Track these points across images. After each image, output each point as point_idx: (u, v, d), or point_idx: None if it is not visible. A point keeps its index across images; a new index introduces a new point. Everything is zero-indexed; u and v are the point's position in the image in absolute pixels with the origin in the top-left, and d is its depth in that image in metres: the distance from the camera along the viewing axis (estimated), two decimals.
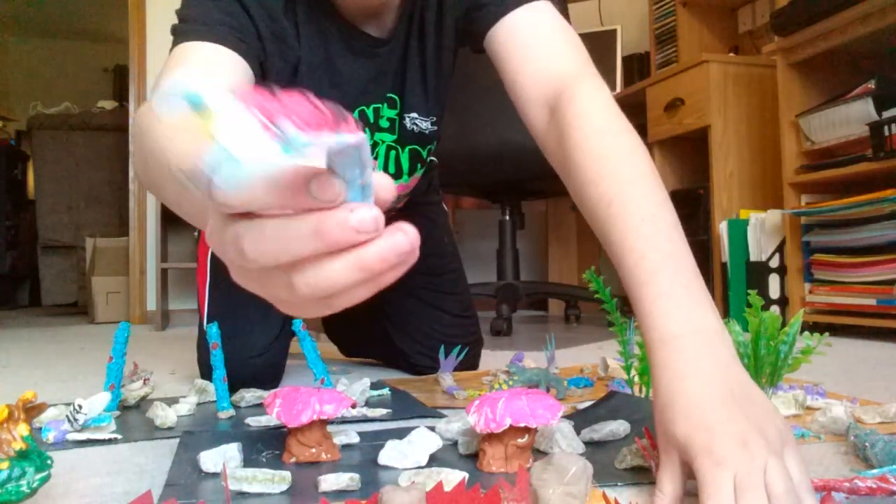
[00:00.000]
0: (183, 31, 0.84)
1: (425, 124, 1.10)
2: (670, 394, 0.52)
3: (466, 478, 0.58)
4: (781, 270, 2.15)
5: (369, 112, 1.08)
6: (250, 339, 1.14)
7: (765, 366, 0.81)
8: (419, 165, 1.15)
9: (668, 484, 0.51)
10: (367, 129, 1.09)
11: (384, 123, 1.09)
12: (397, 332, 1.34)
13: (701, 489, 0.47)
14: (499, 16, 0.89)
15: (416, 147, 1.12)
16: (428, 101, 1.08)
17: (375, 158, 1.10)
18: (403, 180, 1.15)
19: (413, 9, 1.02)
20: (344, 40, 0.99)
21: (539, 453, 0.69)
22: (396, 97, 1.08)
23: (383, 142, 1.11)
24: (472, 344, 1.30)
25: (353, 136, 0.29)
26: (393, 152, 1.11)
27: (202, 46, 0.81)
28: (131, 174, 3.09)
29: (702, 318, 0.56)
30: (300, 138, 0.27)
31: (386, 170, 1.11)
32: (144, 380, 1.08)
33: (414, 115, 1.08)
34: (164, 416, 0.86)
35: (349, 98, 1.04)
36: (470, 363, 1.30)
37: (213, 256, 1.20)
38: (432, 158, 1.20)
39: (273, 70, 0.95)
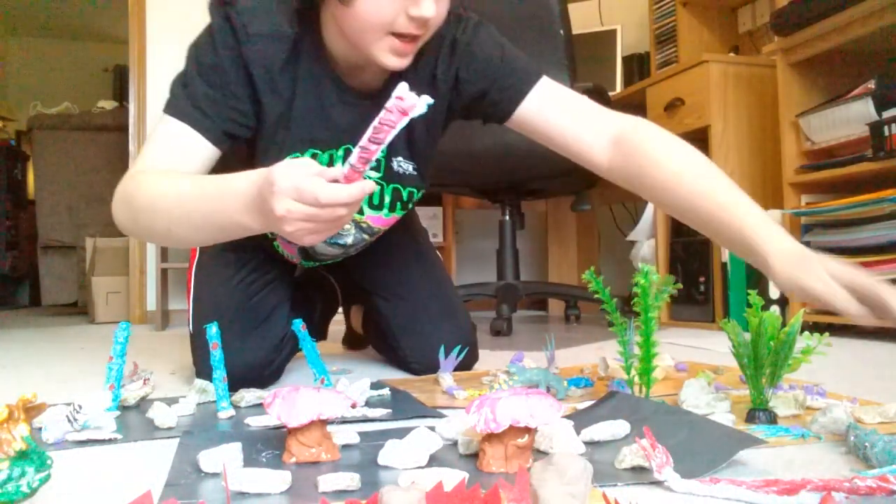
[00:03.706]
0: (170, 105, 1.03)
1: (409, 166, 1.19)
2: (800, 249, 0.81)
3: (466, 478, 0.58)
4: None
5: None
6: (232, 327, 1.16)
7: (765, 366, 0.81)
8: (399, 205, 1.22)
9: (831, 284, 0.76)
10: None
11: (372, 162, 1.12)
12: (392, 333, 1.36)
13: (880, 294, 0.75)
14: (520, 98, 1.09)
15: (398, 186, 1.20)
16: (411, 151, 1.18)
17: None
18: (384, 214, 1.21)
19: (405, 71, 1.05)
20: (336, 93, 1.09)
21: (539, 453, 0.69)
22: None
23: (370, 177, 1.16)
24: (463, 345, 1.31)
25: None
26: (378, 187, 1.18)
27: (176, 127, 1.01)
28: None
29: None
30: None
31: (370, 202, 1.19)
32: (144, 380, 1.08)
33: (400, 158, 1.18)
34: (164, 416, 0.86)
35: (337, 137, 1.11)
36: (463, 365, 1.30)
37: (196, 275, 1.30)
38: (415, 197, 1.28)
39: (272, 114, 1.07)
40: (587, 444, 0.71)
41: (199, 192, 0.89)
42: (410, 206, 1.26)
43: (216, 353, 0.97)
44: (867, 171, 1.80)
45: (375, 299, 1.39)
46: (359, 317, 1.63)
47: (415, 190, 1.22)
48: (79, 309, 3.94)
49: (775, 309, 2.12)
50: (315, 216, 0.76)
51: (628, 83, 2.94)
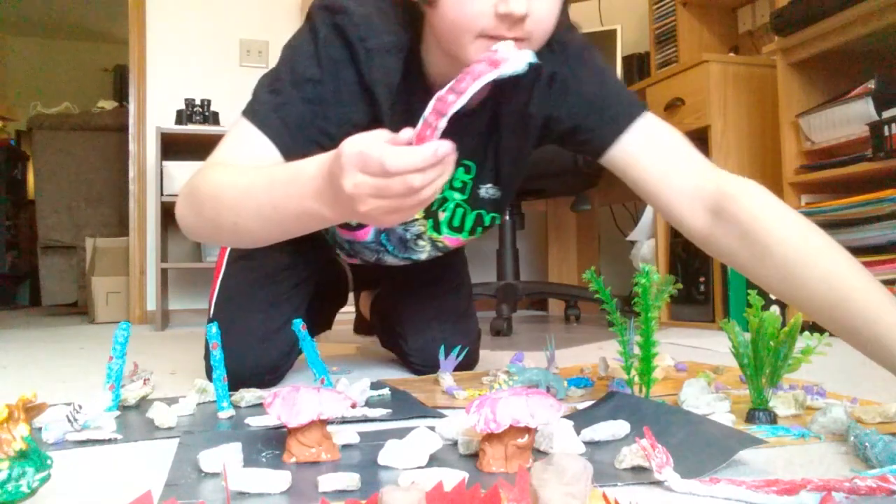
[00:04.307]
0: (254, 111, 0.92)
1: (496, 193, 1.15)
2: None
3: (466, 478, 0.58)
4: None
5: None
6: (252, 324, 1.16)
7: (765, 366, 0.81)
8: (479, 228, 1.19)
9: None
10: None
11: (457, 184, 1.13)
12: (399, 319, 1.36)
13: None
14: (612, 138, 0.99)
15: (482, 211, 1.16)
16: (498, 180, 1.13)
17: (444, 211, 1.15)
18: (463, 236, 1.19)
19: (495, 103, 1.03)
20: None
21: (539, 453, 0.69)
22: (472, 163, 1.10)
23: (454, 199, 1.14)
24: (468, 338, 1.32)
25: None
26: (460, 210, 1.15)
27: (255, 137, 0.90)
28: (131, 174, 3.09)
29: None
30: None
31: (450, 224, 1.16)
32: (144, 380, 1.08)
33: (488, 185, 1.14)
34: (164, 416, 0.86)
35: None
36: (463, 368, 1.30)
37: (230, 254, 1.25)
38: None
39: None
40: (587, 444, 0.71)
41: (268, 179, 0.79)
42: (487, 229, 1.22)
43: (216, 353, 0.97)
44: (867, 171, 1.80)
45: (388, 283, 1.36)
46: (367, 302, 1.61)
47: (496, 215, 1.19)
48: (79, 309, 3.94)
49: (775, 309, 2.12)
50: (385, 188, 0.65)
51: (628, 83, 2.94)
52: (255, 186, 0.80)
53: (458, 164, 1.09)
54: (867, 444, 0.64)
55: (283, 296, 1.19)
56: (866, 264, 1.88)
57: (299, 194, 0.75)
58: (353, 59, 0.92)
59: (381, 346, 1.55)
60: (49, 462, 0.52)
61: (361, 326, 1.76)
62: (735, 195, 0.90)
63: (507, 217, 2.52)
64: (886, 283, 1.73)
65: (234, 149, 0.90)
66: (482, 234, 1.22)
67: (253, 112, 0.92)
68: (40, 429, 0.80)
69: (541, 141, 1.11)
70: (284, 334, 1.18)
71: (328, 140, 0.92)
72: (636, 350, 0.91)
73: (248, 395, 1.01)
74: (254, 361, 1.13)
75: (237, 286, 1.22)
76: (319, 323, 1.51)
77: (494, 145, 1.10)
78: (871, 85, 1.82)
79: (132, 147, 3.08)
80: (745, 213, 0.88)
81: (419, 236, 1.16)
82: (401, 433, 0.70)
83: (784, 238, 0.85)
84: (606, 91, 1.02)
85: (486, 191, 1.14)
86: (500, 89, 0.98)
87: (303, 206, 0.75)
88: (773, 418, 0.81)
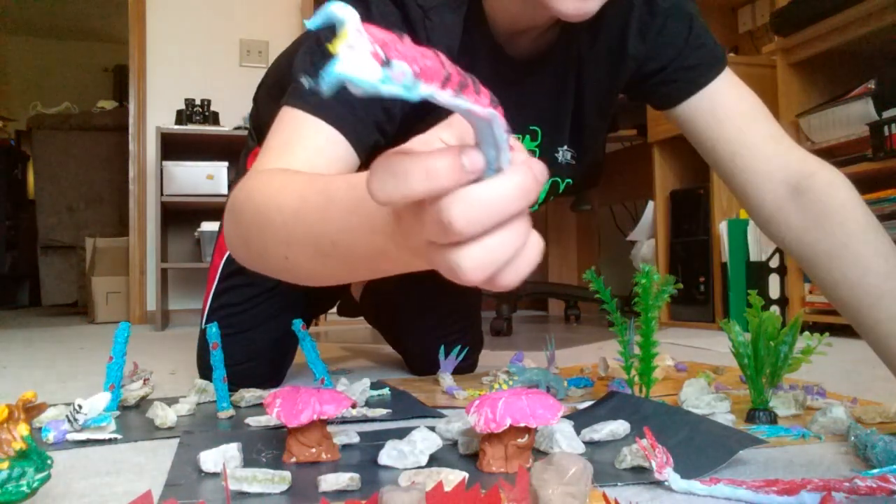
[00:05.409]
0: (300, 95, 0.72)
1: (575, 157, 1.01)
2: None
3: (466, 478, 0.58)
4: (781, 270, 2.15)
5: None
6: (250, 340, 1.15)
7: (765, 366, 0.81)
8: (552, 197, 1.08)
9: None
10: None
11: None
12: (400, 322, 1.34)
13: None
14: (694, 88, 0.89)
15: (557, 179, 1.03)
16: (579, 138, 0.99)
17: None
18: (532, 209, 1.09)
19: (573, 46, 0.91)
20: (492, 65, 0.87)
21: (539, 453, 0.69)
22: (538, 129, 0.97)
23: None
24: (470, 345, 1.30)
25: (481, 109, 0.28)
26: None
27: (313, 125, 0.72)
28: (131, 174, 3.09)
29: None
30: (408, 79, 0.27)
31: None
32: (144, 380, 1.08)
33: (564, 147, 0.99)
34: (164, 416, 0.86)
35: None
36: (465, 368, 1.29)
37: (226, 266, 1.19)
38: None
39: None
40: (587, 444, 0.71)
41: (323, 200, 0.51)
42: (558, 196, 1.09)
43: (216, 353, 0.97)
44: (867, 170, 1.80)
45: (394, 283, 1.34)
46: (359, 287, 1.59)
47: (570, 180, 1.05)
48: (79, 309, 3.94)
49: (775, 309, 2.12)
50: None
51: None
52: (306, 208, 0.53)
53: (525, 129, 0.96)
54: (867, 444, 0.64)
55: (284, 306, 1.16)
56: None
57: (369, 227, 0.44)
58: (405, 20, 0.77)
59: (368, 324, 1.51)
60: (49, 462, 0.52)
61: (346, 307, 1.66)
62: (821, 177, 0.84)
63: None
64: None
65: (289, 148, 0.70)
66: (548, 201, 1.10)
67: (302, 97, 0.72)
68: (40, 429, 0.80)
69: (622, 89, 0.97)
70: (283, 343, 1.17)
71: (388, 123, 0.78)
72: (636, 350, 0.91)
73: (248, 395, 1.01)
74: (250, 372, 1.12)
75: (234, 302, 1.17)
76: (323, 305, 1.47)
77: (574, 100, 0.95)
78: (871, 85, 1.82)
79: (132, 147, 3.08)
80: (829, 198, 0.82)
81: None
82: (401, 433, 0.70)
83: (864, 239, 0.78)
84: (694, 35, 0.90)
85: (563, 155, 0.98)
86: (578, 26, 0.84)
87: (374, 246, 0.44)
88: (773, 418, 0.81)
